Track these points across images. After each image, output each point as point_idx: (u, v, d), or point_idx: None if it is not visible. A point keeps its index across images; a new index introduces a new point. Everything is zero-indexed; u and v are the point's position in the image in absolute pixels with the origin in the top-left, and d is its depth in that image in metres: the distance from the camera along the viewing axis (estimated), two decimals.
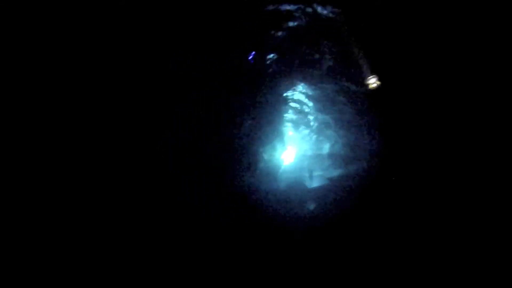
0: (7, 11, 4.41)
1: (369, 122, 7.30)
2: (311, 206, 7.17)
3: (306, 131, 8.69)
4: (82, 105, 5.23)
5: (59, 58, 4.94)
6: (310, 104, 7.57)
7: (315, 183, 7.69)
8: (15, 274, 4.53)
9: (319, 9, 5.79)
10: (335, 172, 7.73)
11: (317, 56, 6.76)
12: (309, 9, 5.86)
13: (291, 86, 7.20)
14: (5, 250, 4.53)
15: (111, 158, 5.63)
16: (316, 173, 7.80)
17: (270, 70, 6.84)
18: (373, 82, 5.24)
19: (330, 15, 5.78)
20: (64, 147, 5.20)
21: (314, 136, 8.59)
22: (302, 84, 7.15)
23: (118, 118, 5.63)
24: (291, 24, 6.20)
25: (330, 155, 7.80)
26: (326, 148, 8.13)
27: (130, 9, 5.03)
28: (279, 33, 6.35)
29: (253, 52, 6.07)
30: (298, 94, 7.55)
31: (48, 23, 4.76)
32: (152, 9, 5.19)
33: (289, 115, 8.34)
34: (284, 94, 7.49)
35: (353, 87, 6.95)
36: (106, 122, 5.51)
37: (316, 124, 8.04)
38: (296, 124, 8.75)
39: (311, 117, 8.02)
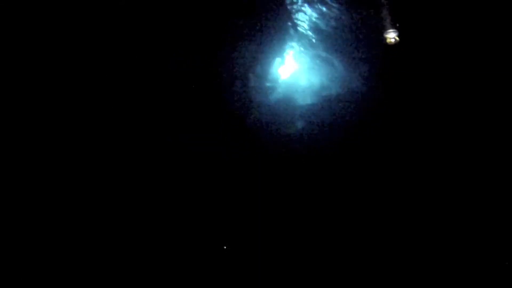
0: (7, 11, 4.40)
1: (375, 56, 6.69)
2: (300, 124, 6.89)
3: (307, 54, 8.03)
4: (81, 105, 5.23)
5: (58, 58, 4.94)
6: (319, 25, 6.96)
7: (307, 101, 7.16)
8: (15, 274, 4.54)
9: None
10: (329, 92, 7.28)
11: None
12: None
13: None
14: (5, 250, 4.54)
15: (111, 158, 5.64)
16: (309, 91, 7.36)
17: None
18: (392, 36, 4.35)
19: None
20: (63, 147, 5.21)
21: (314, 56, 7.95)
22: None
23: (118, 118, 5.64)
24: None
25: (327, 76, 7.30)
26: (324, 68, 7.55)
27: (130, 9, 5.03)
28: None
29: None
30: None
31: (47, 23, 4.76)
32: (152, 9, 5.19)
33: (293, 40, 7.70)
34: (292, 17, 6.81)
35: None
36: (106, 122, 5.52)
37: (319, 44, 7.44)
38: (298, 44, 8.04)
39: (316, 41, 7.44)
